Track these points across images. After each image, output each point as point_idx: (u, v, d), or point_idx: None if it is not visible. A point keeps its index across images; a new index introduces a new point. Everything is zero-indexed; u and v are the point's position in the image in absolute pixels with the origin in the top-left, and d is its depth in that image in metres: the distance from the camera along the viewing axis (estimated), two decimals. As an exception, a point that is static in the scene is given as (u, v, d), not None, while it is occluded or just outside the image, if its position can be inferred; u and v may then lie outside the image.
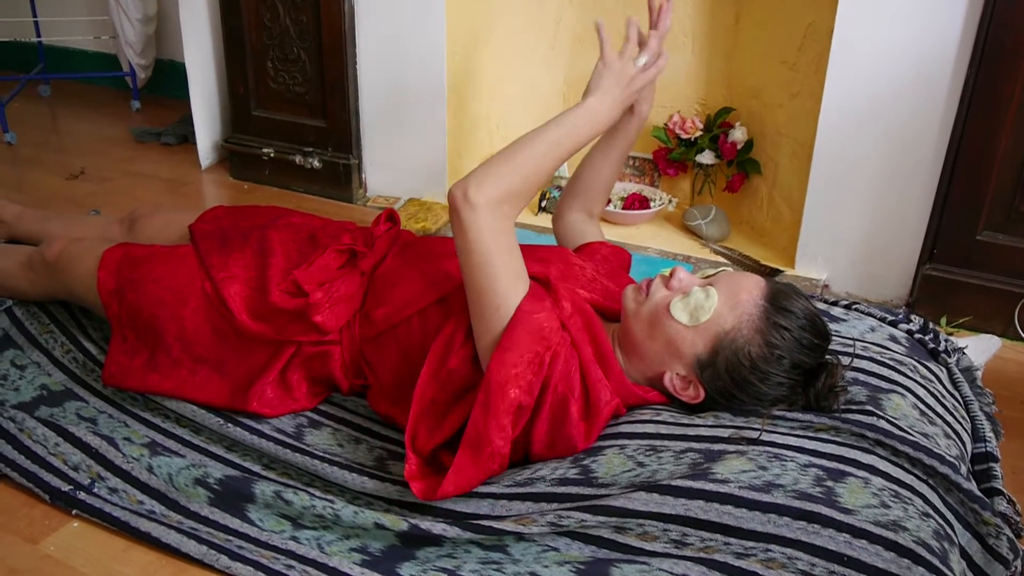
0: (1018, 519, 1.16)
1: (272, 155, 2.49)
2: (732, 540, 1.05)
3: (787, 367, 1.17)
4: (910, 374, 1.33)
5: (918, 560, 0.98)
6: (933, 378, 1.37)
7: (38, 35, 3.21)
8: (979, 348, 1.62)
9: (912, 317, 1.58)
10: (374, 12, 2.27)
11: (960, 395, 1.41)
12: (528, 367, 1.15)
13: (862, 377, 1.29)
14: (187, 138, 2.82)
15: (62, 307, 1.70)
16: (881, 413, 1.19)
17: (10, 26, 3.26)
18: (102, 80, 3.35)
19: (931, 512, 1.06)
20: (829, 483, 1.06)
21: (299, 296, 1.36)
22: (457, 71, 2.31)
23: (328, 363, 1.39)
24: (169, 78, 3.20)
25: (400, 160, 2.41)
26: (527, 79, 2.49)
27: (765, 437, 1.14)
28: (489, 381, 1.14)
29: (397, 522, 1.16)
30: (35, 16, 3.15)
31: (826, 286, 2.00)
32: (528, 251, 1.42)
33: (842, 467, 1.09)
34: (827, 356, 1.22)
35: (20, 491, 1.30)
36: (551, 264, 1.35)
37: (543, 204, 2.32)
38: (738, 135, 2.22)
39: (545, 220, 2.30)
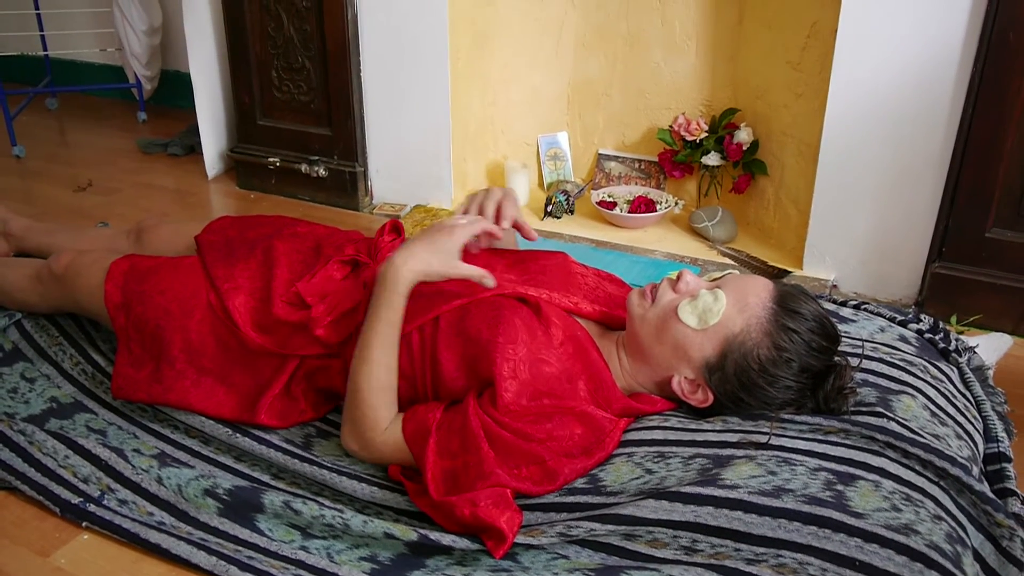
0: (1031, 520, 1.15)
1: (278, 164, 2.49)
2: (742, 546, 1.04)
3: (796, 370, 1.16)
4: (920, 375, 1.32)
5: (931, 564, 0.97)
6: (944, 378, 1.36)
7: (44, 48, 3.23)
8: (990, 347, 1.61)
9: (922, 317, 1.57)
10: (377, 19, 2.27)
11: (971, 395, 1.40)
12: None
13: (872, 378, 1.28)
14: (193, 148, 2.83)
15: (71, 319, 1.70)
16: (891, 415, 1.18)
17: (17, 40, 3.28)
18: (108, 92, 3.37)
19: (943, 515, 1.05)
20: (839, 487, 1.06)
21: (302, 308, 1.36)
22: (461, 76, 2.31)
23: (332, 376, 1.39)
24: (175, 89, 3.21)
25: (405, 167, 2.41)
26: (531, 83, 2.49)
27: (774, 441, 1.13)
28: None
29: (407, 532, 1.16)
30: (41, 30, 3.17)
31: (834, 286, 1.99)
32: (528, 258, 1.42)
33: (852, 470, 1.08)
34: (836, 357, 1.21)
35: (31, 504, 1.30)
36: (551, 275, 1.34)
37: (549, 209, 2.32)
38: (743, 136, 2.21)
39: (550, 224, 2.30)
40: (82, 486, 1.30)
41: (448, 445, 1.17)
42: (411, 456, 1.21)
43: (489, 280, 1.22)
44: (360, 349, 1.24)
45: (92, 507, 1.26)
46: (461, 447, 1.16)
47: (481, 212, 1.33)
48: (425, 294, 1.30)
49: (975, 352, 1.53)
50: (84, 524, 1.25)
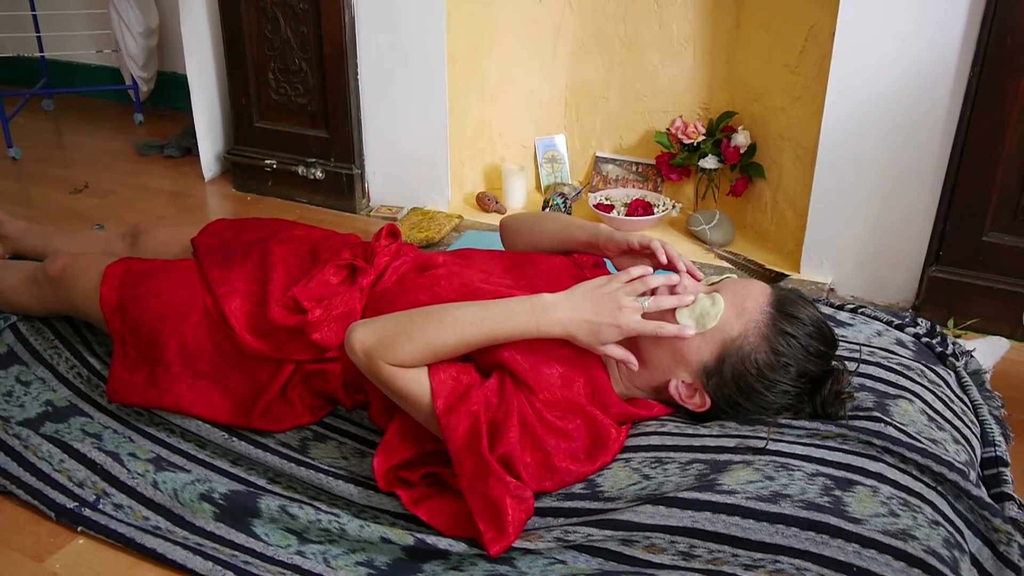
0: (1029, 525, 1.15)
1: (275, 166, 2.49)
2: (740, 551, 1.04)
3: (793, 375, 1.16)
4: (918, 379, 1.32)
5: (928, 569, 0.97)
6: (941, 382, 1.36)
7: (41, 50, 3.23)
8: (987, 350, 1.61)
9: (919, 320, 1.56)
10: (375, 22, 2.27)
11: (969, 399, 1.40)
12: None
13: (869, 383, 1.28)
14: (190, 150, 2.82)
15: (67, 322, 1.70)
16: (889, 419, 1.18)
17: (13, 41, 3.27)
18: (105, 94, 3.36)
19: (941, 520, 1.05)
20: (837, 492, 1.05)
21: (298, 313, 1.36)
22: (458, 79, 2.31)
23: (329, 380, 1.38)
24: (171, 90, 3.21)
25: (402, 169, 2.41)
26: (528, 86, 2.49)
27: (772, 446, 1.13)
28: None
29: (403, 536, 1.16)
30: (38, 31, 3.16)
31: (831, 289, 1.99)
32: (526, 261, 1.41)
33: (850, 476, 1.08)
34: (833, 362, 1.21)
35: (26, 508, 1.30)
36: (548, 279, 1.33)
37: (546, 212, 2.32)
38: (741, 139, 2.21)
39: (548, 227, 2.29)
40: (77, 490, 1.30)
41: (477, 402, 1.15)
42: (415, 390, 1.16)
43: (634, 364, 1.18)
44: (461, 320, 1.16)
45: (87, 512, 1.25)
46: (489, 406, 1.15)
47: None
48: (424, 298, 1.31)
49: (972, 356, 1.53)
50: (79, 529, 1.25)
